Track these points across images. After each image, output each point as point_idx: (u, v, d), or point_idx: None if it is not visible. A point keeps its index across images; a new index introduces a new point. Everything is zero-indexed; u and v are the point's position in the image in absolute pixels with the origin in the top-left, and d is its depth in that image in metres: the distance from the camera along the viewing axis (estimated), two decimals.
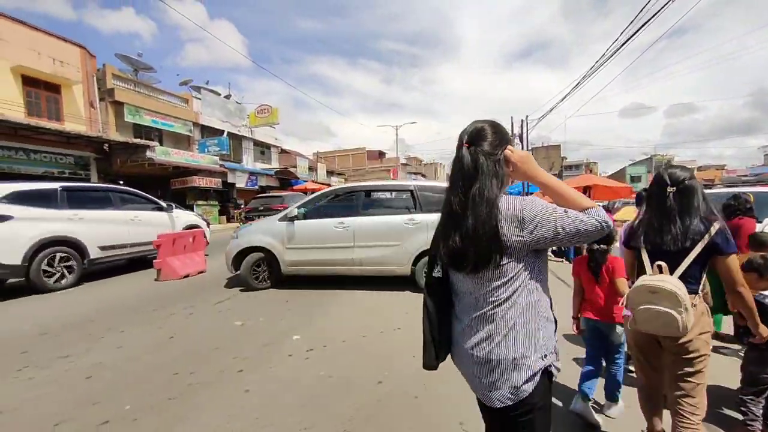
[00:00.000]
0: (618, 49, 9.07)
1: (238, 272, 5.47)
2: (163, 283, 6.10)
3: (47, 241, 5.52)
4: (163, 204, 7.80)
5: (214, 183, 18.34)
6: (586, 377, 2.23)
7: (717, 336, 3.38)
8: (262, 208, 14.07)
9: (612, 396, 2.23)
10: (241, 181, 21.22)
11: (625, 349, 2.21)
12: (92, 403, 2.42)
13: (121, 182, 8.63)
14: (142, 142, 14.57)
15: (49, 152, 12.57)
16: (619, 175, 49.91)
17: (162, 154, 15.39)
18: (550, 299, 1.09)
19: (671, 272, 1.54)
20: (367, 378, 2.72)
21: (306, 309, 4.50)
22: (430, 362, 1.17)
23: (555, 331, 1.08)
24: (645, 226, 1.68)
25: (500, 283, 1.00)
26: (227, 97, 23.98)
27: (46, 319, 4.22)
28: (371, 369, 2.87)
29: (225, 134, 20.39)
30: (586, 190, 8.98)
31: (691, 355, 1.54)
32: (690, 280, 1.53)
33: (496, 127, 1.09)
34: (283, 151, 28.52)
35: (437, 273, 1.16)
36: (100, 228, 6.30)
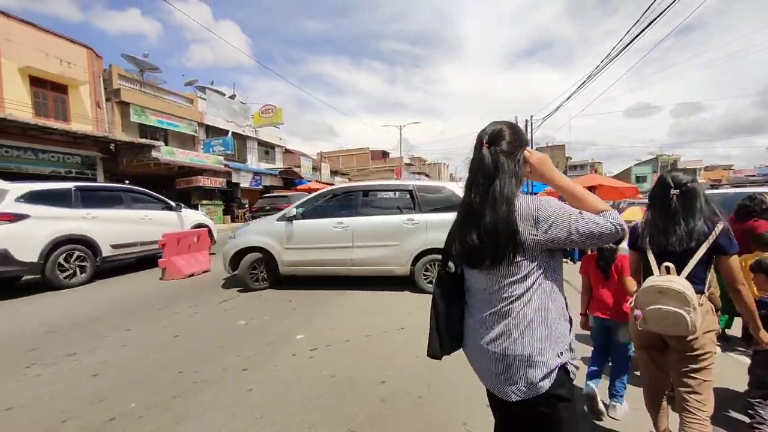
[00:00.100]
0: (624, 48, 9.02)
1: (236, 272, 5.44)
2: (168, 282, 6.15)
3: (62, 239, 5.67)
4: (173, 204, 7.92)
5: (219, 183, 18.44)
6: (591, 376, 2.24)
7: (724, 337, 3.34)
8: (268, 207, 14.22)
9: (617, 395, 2.22)
10: (245, 181, 21.34)
11: (633, 349, 2.21)
12: (98, 401, 2.45)
13: (127, 182, 8.72)
14: (148, 142, 14.70)
15: (57, 152, 12.72)
16: (624, 176, 49.58)
17: (167, 153, 15.50)
18: (566, 299, 1.10)
19: (678, 273, 1.56)
20: (371, 378, 2.72)
21: (309, 309, 4.51)
22: (434, 351, 1.19)
23: (570, 330, 1.09)
24: (649, 228, 1.71)
25: (513, 279, 1.02)
26: (232, 97, 24.09)
27: (53, 318, 4.27)
28: (374, 369, 2.87)
29: (229, 134, 20.49)
30: (591, 190, 8.89)
31: (697, 353, 1.57)
32: (695, 280, 1.56)
33: (514, 128, 1.12)
34: (287, 151, 28.62)
35: (450, 269, 1.20)
36: (112, 227, 6.45)
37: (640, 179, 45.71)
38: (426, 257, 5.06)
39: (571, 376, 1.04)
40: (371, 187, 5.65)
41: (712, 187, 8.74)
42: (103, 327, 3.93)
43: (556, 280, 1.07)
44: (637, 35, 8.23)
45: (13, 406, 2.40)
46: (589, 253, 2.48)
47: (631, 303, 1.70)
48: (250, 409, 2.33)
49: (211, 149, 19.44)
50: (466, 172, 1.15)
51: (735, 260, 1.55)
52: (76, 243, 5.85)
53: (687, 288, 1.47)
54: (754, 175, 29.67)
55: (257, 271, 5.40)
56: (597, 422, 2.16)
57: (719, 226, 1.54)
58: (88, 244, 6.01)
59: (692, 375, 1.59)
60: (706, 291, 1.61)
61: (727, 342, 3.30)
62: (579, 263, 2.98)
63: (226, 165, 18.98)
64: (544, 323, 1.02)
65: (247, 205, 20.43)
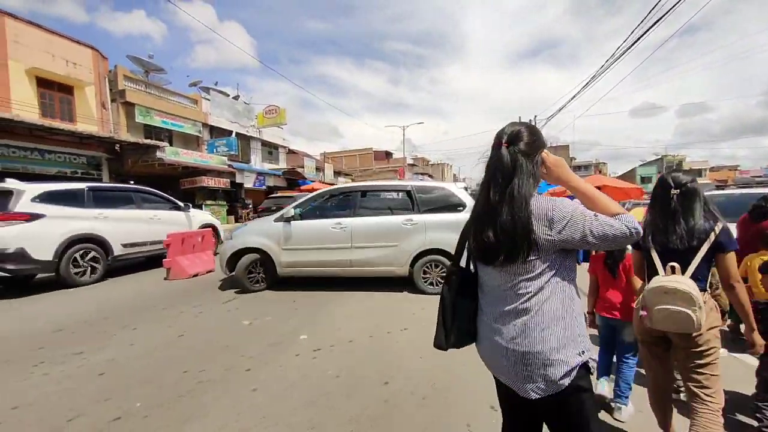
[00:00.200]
0: (629, 48, 8.96)
1: (233, 273, 5.40)
2: (172, 281, 6.19)
3: (76, 238, 5.81)
4: (181, 204, 8.06)
5: (223, 183, 18.51)
6: (597, 376, 2.24)
7: (737, 331, 3.34)
8: (274, 208, 14.29)
9: (622, 396, 2.21)
10: (249, 182, 21.40)
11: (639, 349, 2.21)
12: (104, 400, 2.47)
13: (132, 182, 8.79)
14: (153, 142, 14.78)
15: (63, 152, 12.83)
16: (629, 176, 49.26)
17: (172, 154, 15.60)
18: (580, 299, 1.12)
19: (682, 271, 1.62)
20: (375, 378, 2.72)
21: (313, 309, 4.53)
22: (439, 342, 1.23)
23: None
24: (651, 227, 1.76)
25: (527, 277, 1.05)
26: (236, 97, 24.18)
27: (62, 316, 4.31)
28: (378, 369, 2.87)
29: (233, 135, 20.56)
30: None
31: (701, 348, 1.61)
32: (699, 278, 1.62)
33: (532, 129, 1.14)
34: (290, 152, 28.68)
35: (460, 265, 1.25)
36: (123, 226, 6.59)
37: (645, 180, 45.37)
38: (425, 258, 5.04)
39: (592, 371, 1.09)
40: (370, 188, 5.64)
41: (718, 187, 8.66)
42: (110, 326, 3.97)
43: (572, 280, 1.09)
44: (642, 35, 8.18)
45: (20, 405, 2.42)
46: (594, 253, 2.47)
47: (636, 302, 1.74)
48: (255, 408, 2.34)
49: (215, 150, 19.53)
50: (481, 170, 1.17)
51: (732, 257, 1.60)
52: (88, 242, 6.01)
53: (693, 288, 1.51)
54: (760, 176, 29.39)
55: (255, 273, 5.37)
56: (603, 422, 2.14)
57: (719, 225, 1.60)
58: (100, 243, 6.16)
59: (699, 370, 1.64)
60: (708, 289, 1.67)
61: (740, 336, 3.27)
62: (584, 264, 2.96)
63: (229, 165, 19.05)
64: (563, 321, 1.04)
65: (250, 206, 20.49)
